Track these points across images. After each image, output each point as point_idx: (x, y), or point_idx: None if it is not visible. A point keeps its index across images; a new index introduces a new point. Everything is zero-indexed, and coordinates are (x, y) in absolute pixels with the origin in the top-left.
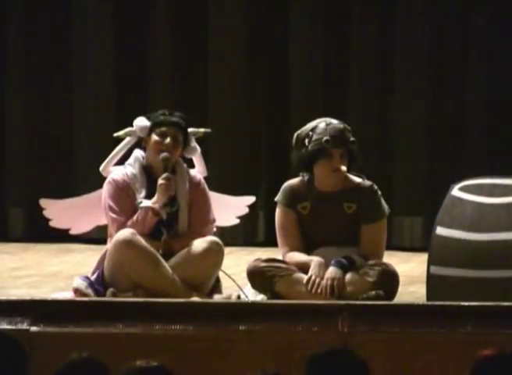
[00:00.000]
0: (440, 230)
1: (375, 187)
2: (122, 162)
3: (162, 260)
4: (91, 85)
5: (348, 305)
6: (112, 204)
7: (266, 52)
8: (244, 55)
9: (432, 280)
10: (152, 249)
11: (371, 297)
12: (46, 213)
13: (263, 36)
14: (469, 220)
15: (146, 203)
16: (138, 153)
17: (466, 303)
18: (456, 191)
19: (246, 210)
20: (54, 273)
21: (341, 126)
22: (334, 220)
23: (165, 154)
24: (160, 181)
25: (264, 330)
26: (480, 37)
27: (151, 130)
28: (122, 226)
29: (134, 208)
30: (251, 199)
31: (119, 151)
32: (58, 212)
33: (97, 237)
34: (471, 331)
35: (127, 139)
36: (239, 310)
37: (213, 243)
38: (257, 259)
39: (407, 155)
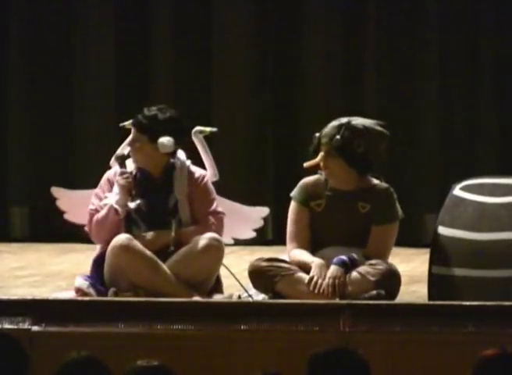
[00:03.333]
0: (442, 230)
1: (391, 189)
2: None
3: (161, 263)
4: (92, 85)
5: (349, 305)
6: (94, 196)
7: (274, 52)
8: (251, 55)
9: (433, 280)
10: (149, 253)
11: (373, 296)
12: (59, 204)
13: (271, 35)
14: (470, 220)
15: (109, 201)
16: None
17: (467, 303)
18: (457, 191)
19: (261, 223)
20: (55, 273)
21: (335, 123)
22: (347, 219)
23: (118, 152)
24: (117, 179)
25: (266, 330)
26: (491, 36)
27: None
28: (91, 219)
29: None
30: (265, 211)
31: (126, 144)
32: (73, 204)
33: None
34: (473, 331)
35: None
36: (240, 310)
37: (212, 239)
38: (259, 259)
39: (424, 154)
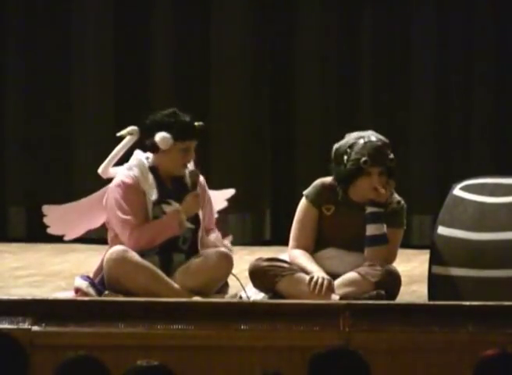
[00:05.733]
0: (442, 230)
1: (403, 202)
2: (120, 162)
3: (159, 271)
4: (91, 85)
5: (349, 305)
6: (123, 205)
7: (272, 53)
8: (248, 57)
9: (433, 280)
10: (147, 263)
11: (373, 296)
12: (45, 220)
13: (269, 37)
14: (470, 220)
15: (172, 209)
16: (140, 155)
17: (467, 303)
18: (457, 191)
19: (225, 204)
20: (55, 273)
21: (379, 143)
22: (354, 226)
23: (194, 170)
24: (189, 198)
25: (266, 330)
26: (485, 39)
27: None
28: (134, 227)
29: (145, 210)
30: (231, 192)
31: (118, 151)
32: (56, 218)
33: (97, 237)
34: (472, 331)
35: (127, 138)
36: (240, 310)
37: (224, 255)
38: (259, 259)
39: (418, 154)
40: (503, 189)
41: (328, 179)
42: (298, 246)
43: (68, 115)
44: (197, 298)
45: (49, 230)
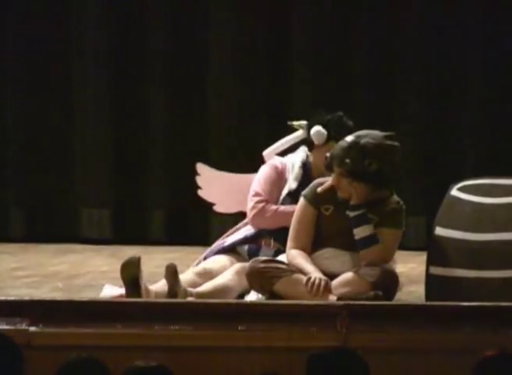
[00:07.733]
0: (439, 231)
1: (401, 203)
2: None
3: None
4: (91, 86)
5: (347, 306)
6: (264, 181)
7: (268, 52)
8: (244, 55)
9: (431, 281)
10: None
11: (370, 297)
12: (198, 179)
13: (263, 35)
14: (468, 220)
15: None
16: (304, 150)
17: (465, 303)
18: (455, 191)
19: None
20: (53, 274)
21: (343, 144)
22: (352, 227)
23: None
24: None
25: (263, 331)
26: (479, 31)
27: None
28: (263, 201)
29: (278, 195)
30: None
31: (287, 141)
32: (208, 182)
33: (97, 237)
34: (470, 331)
35: (297, 133)
36: (238, 310)
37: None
38: (256, 260)
39: (411, 154)
40: (500, 189)
41: (327, 179)
42: (296, 246)
43: (68, 115)
44: (191, 299)
45: (200, 192)
